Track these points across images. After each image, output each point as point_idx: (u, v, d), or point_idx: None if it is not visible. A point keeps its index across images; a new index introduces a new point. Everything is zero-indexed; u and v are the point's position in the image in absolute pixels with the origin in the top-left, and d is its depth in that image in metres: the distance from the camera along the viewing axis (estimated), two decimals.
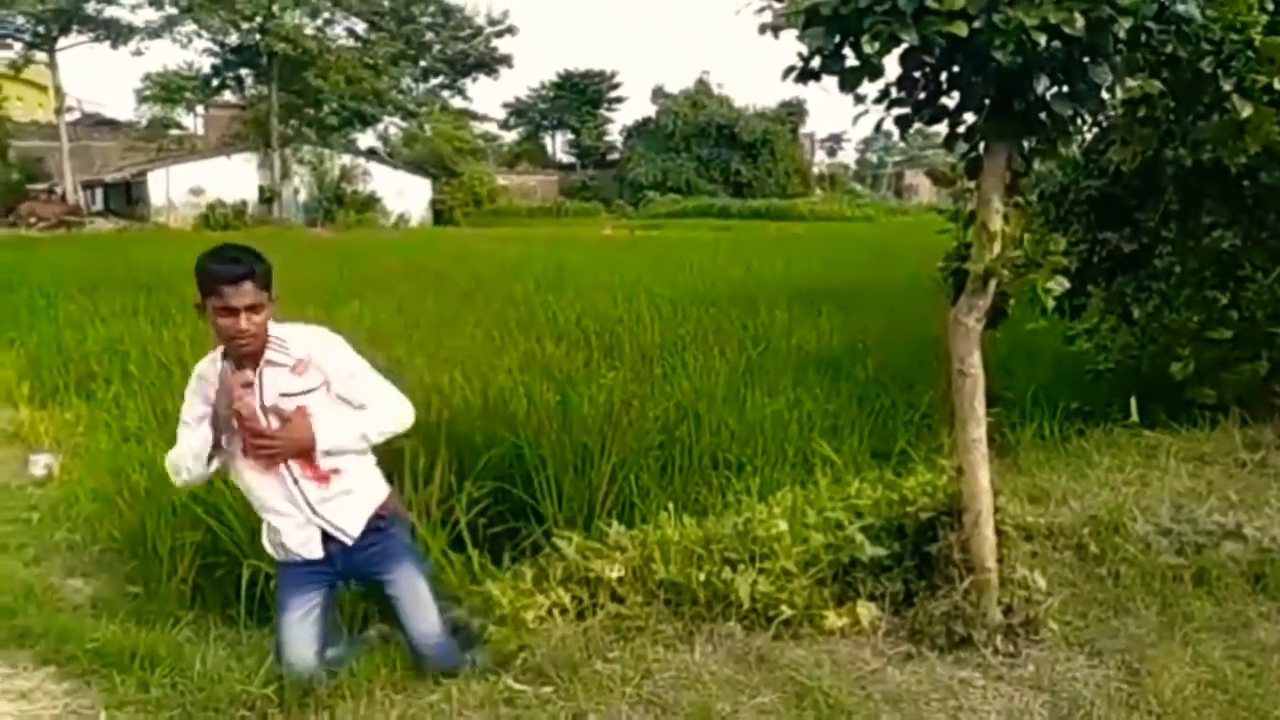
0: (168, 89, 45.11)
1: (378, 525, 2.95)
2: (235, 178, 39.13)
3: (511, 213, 46.04)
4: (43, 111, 46.26)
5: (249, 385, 2.77)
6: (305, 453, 2.80)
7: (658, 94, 57.69)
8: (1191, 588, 3.48)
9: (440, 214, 44.30)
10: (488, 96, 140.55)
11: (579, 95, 62.81)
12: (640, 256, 18.98)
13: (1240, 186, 5.15)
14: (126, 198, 40.95)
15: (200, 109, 47.91)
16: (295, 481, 2.84)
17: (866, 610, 3.25)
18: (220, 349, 2.84)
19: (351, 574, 3.06)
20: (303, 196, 41.01)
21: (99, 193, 43.17)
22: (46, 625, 3.42)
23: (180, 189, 38.38)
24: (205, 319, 2.79)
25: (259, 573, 3.78)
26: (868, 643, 3.15)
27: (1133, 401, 5.37)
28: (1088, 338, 6.40)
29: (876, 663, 3.03)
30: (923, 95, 2.96)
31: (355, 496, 2.91)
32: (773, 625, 3.17)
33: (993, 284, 3.04)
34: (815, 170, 62.31)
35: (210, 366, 2.87)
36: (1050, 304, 3.06)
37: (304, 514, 2.86)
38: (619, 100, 64.80)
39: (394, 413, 2.99)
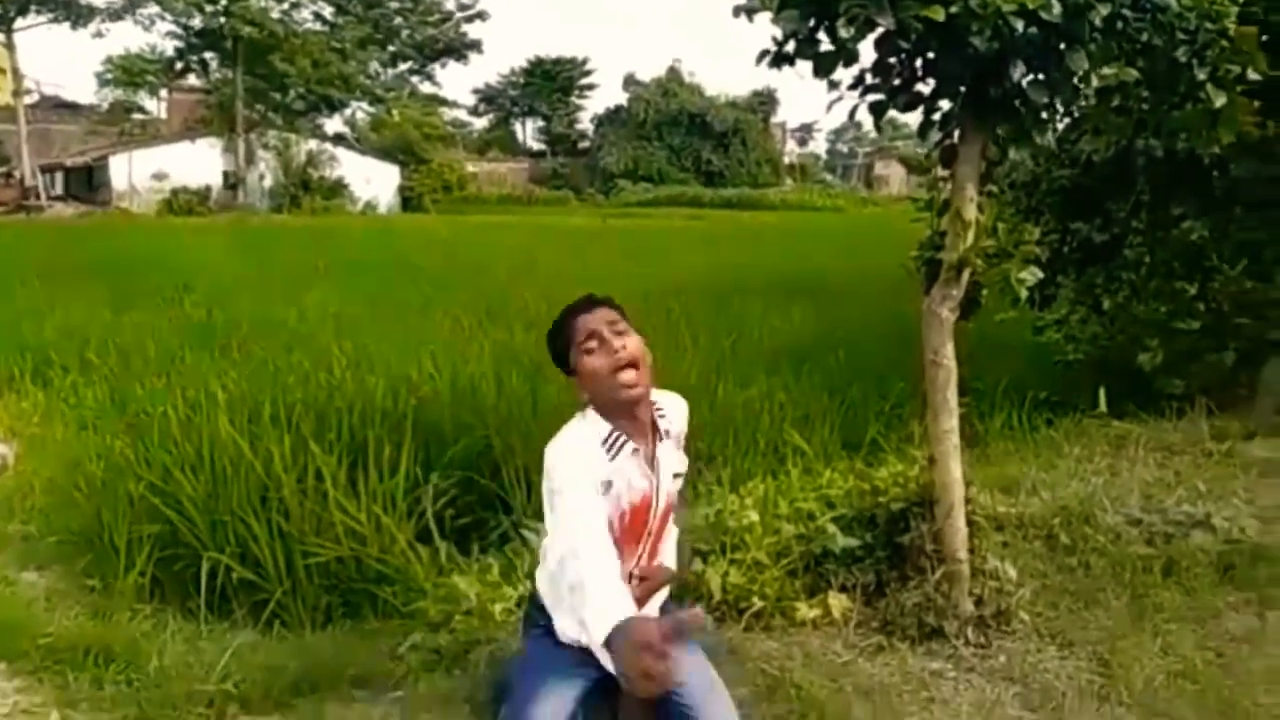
0: (130, 72, 44.28)
1: (664, 608, 2.45)
2: (199, 163, 38.52)
3: (481, 200, 45.75)
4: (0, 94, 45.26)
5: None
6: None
7: (629, 82, 57.57)
8: (1161, 578, 3.49)
9: (409, 201, 43.91)
10: (457, 82, 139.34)
11: (549, 82, 62.51)
12: (611, 245, 18.91)
13: (1211, 178, 5.19)
14: (88, 182, 40.19)
15: (163, 93, 47.10)
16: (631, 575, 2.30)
17: (838, 601, 3.23)
18: (588, 418, 2.24)
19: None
20: (268, 182, 40.46)
21: (59, 177, 42.31)
22: None
23: (143, 174, 37.73)
24: (581, 400, 2.27)
25: (219, 565, 3.70)
26: (839, 634, 3.13)
27: (1101, 392, 5.39)
28: (1057, 328, 6.43)
29: (848, 654, 3.01)
30: (898, 81, 2.92)
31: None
32: (744, 617, 3.14)
33: (966, 273, 3.02)
34: (786, 160, 62.44)
35: (585, 443, 2.20)
36: (1024, 294, 3.04)
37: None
38: (590, 87, 64.63)
39: None
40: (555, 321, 2.32)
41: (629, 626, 1.69)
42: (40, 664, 3.03)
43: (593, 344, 2.21)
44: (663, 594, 2.49)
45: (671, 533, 2.48)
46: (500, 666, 2.78)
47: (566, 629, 2.25)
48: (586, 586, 1.84)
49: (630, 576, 2.29)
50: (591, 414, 2.25)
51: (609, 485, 2.18)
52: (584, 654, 2.26)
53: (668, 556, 2.47)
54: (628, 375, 2.16)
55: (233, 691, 2.78)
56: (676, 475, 2.35)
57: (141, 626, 3.33)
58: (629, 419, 2.23)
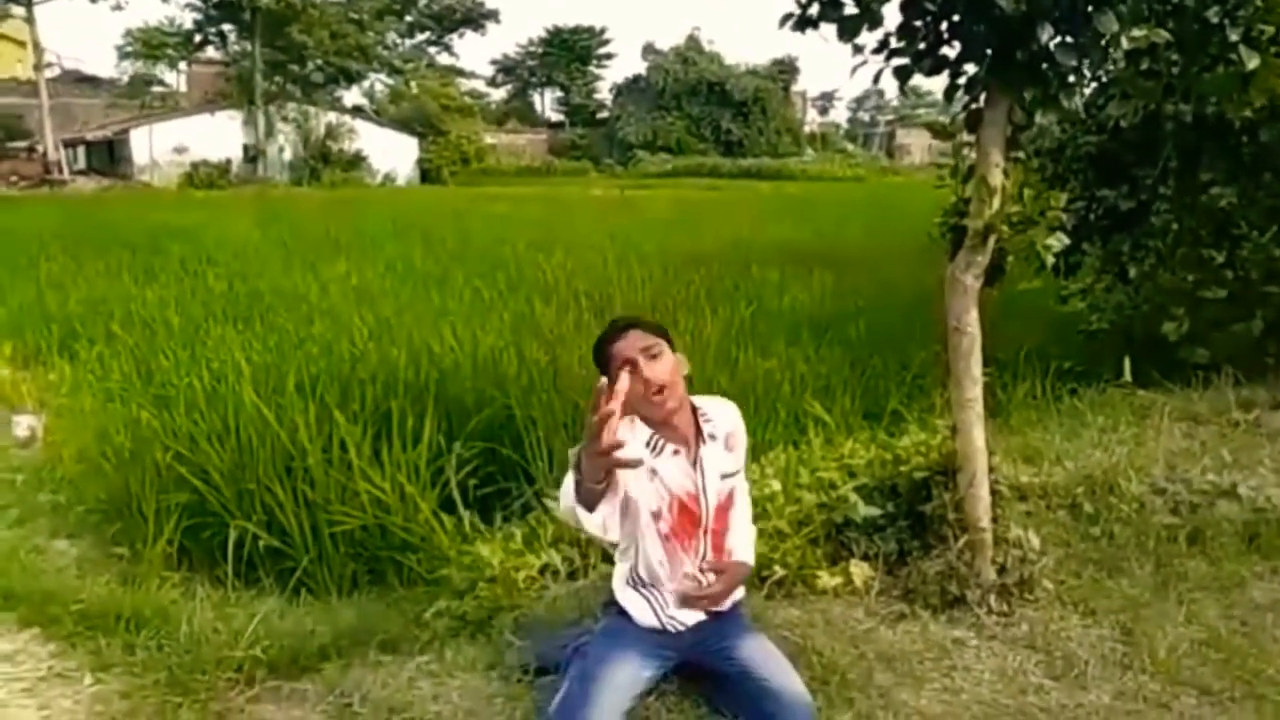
0: (149, 45, 44.32)
1: (734, 603, 2.64)
2: (219, 136, 38.56)
3: (500, 172, 45.61)
4: (21, 68, 45.39)
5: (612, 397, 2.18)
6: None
7: (648, 51, 57.11)
8: (1186, 547, 3.46)
9: (427, 173, 43.85)
10: (475, 53, 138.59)
11: (568, 52, 62.14)
12: (630, 216, 18.85)
13: (1240, 143, 5.10)
14: (109, 156, 40.34)
15: (183, 66, 47.13)
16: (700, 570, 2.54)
17: (860, 570, 3.23)
18: (634, 422, 2.47)
19: (694, 652, 2.55)
20: (288, 155, 40.46)
21: (81, 151, 42.47)
22: (31, 587, 3.36)
23: (164, 147, 37.82)
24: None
25: (246, 534, 3.75)
26: (861, 602, 3.12)
27: (1126, 361, 5.34)
28: (1081, 297, 6.37)
29: (870, 622, 3.01)
30: (923, 45, 2.87)
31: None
32: (766, 585, 3.14)
33: (992, 240, 2.98)
34: (807, 129, 61.82)
35: (629, 438, 2.39)
36: (1050, 260, 3.01)
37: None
38: (608, 57, 64.28)
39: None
40: (595, 345, 2.53)
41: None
42: (73, 630, 3.07)
43: (628, 369, 2.38)
44: (740, 591, 2.63)
45: (742, 530, 2.63)
46: (536, 638, 2.81)
47: (643, 616, 2.50)
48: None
49: (701, 570, 2.52)
50: (638, 421, 2.48)
51: (654, 473, 2.44)
52: (661, 637, 2.50)
53: (741, 552, 2.61)
54: (658, 398, 2.38)
55: (261, 657, 2.81)
56: (726, 475, 2.53)
57: (170, 594, 3.37)
58: (668, 428, 2.46)
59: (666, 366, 2.41)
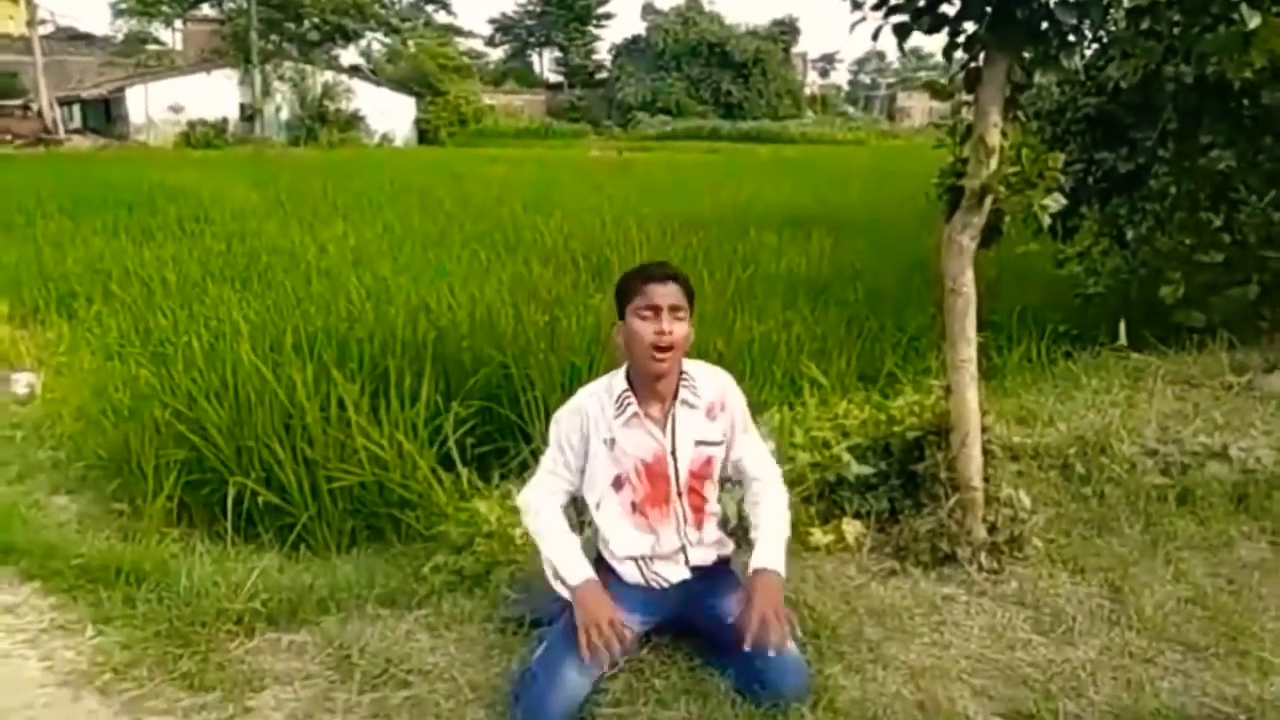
0: (144, 1, 43.76)
1: (722, 558, 2.67)
2: (216, 95, 38.22)
3: (497, 133, 45.23)
4: (14, 24, 44.84)
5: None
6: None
7: (648, 10, 56.51)
8: (1175, 507, 3.50)
9: (425, 134, 43.54)
10: (473, 12, 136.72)
11: (566, 11, 61.38)
12: (628, 179, 18.75)
13: (1240, 106, 5.06)
14: (105, 115, 39.97)
15: (178, 23, 46.58)
16: (684, 535, 2.56)
17: (852, 528, 3.26)
18: (616, 376, 2.54)
19: (682, 608, 2.58)
20: (284, 114, 40.12)
21: (76, 110, 42.08)
22: (31, 542, 3.40)
23: (160, 106, 37.49)
24: (615, 344, 2.54)
25: (244, 490, 3.77)
26: (853, 559, 3.16)
27: (1121, 325, 5.35)
28: (1079, 261, 6.36)
29: (861, 578, 3.05)
30: (922, 2, 2.85)
31: (713, 547, 2.64)
32: None
33: (988, 201, 2.98)
34: (807, 91, 61.25)
35: (596, 400, 2.52)
36: (1046, 221, 3.00)
37: (680, 558, 2.58)
38: (607, 17, 63.55)
39: (782, 486, 2.72)
40: (630, 273, 2.52)
41: (587, 595, 2.33)
42: (74, 583, 3.11)
43: (648, 313, 2.42)
44: (730, 547, 2.68)
45: (765, 526, 2.61)
46: (532, 592, 2.85)
47: (628, 573, 2.54)
48: (546, 540, 2.49)
49: (683, 549, 2.56)
50: (619, 375, 2.52)
51: (612, 443, 2.48)
52: (646, 593, 2.54)
53: (764, 556, 2.55)
54: (660, 354, 2.40)
55: (260, 609, 2.84)
56: (702, 443, 2.54)
57: (170, 548, 3.40)
58: (648, 386, 2.48)
59: (682, 333, 2.43)
